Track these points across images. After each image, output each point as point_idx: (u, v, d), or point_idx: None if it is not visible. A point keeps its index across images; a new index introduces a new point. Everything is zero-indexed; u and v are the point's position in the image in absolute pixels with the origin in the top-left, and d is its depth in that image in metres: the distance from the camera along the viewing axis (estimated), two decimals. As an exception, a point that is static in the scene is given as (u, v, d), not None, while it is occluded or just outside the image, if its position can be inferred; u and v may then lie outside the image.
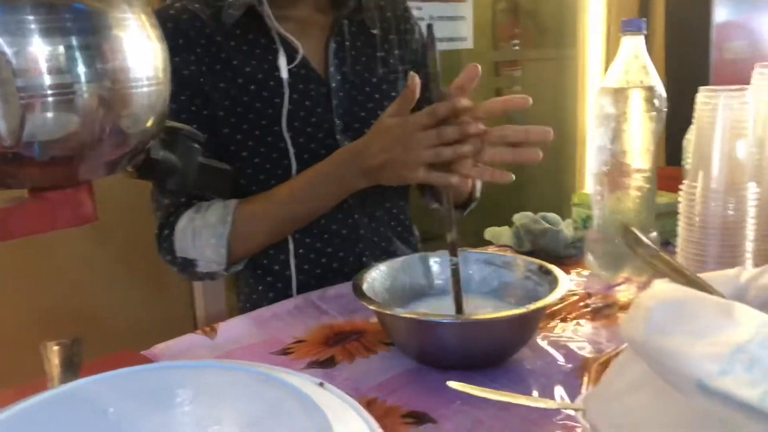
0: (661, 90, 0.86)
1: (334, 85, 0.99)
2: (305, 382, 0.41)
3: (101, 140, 0.54)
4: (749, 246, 0.75)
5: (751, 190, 0.74)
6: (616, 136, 0.87)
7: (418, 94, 0.79)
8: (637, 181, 0.88)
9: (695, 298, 0.29)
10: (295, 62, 0.96)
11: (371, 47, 1.05)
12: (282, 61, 0.95)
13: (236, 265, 0.98)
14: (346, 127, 1.01)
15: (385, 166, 0.84)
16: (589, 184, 0.93)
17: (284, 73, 0.95)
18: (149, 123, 0.58)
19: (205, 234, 0.92)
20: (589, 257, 0.95)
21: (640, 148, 0.87)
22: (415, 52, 1.12)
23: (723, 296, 0.38)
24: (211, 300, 1.32)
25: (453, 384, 0.52)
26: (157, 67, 0.56)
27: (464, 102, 0.78)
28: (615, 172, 0.88)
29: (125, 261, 1.45)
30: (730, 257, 0.75)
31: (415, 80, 0.79)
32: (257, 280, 1.04)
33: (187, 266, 0.95)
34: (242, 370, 0.41)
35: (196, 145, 0.67)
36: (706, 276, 0.41)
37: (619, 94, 0.86)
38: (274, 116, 0.96)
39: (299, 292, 0.99)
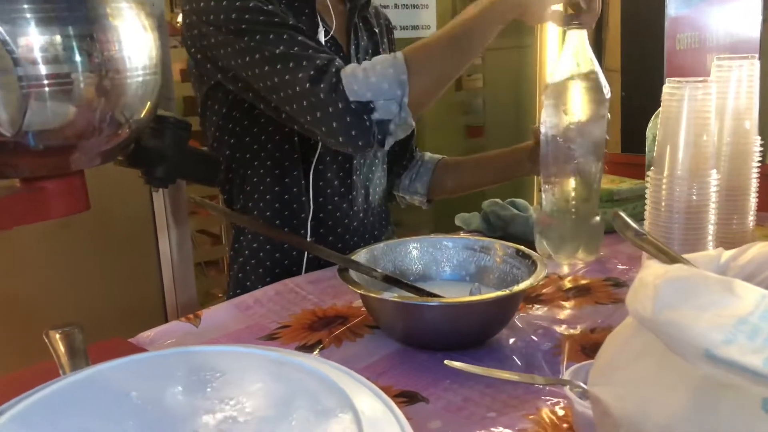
0: (603, 79, 0.89)
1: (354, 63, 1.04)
2: (317, 362, 0.43)
3: (97, 129, 0.54)
4: (711, 229, 0.80)
5: (713, 177, 0.79)
6: (564, 124, 0.90)
7: None
8: (585, 167, 0.91)
9: (698, 276, 0.32)
10: (329, 35, 1.02)
11: (374, 42, 1.12)
12: (321, 35, 0.99)
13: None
14: None
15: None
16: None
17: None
18: (143, 112, 0.58)
19: (378, 69, 0.86)
20: (542, 241, 0.98)
21: (587, 136, 0.90)
22: None
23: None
24: (182, 289, 1.31)
25: (451, 363, 0.55)
26: (152, 56, 0.56)
27: None
28: (563, 159, 0.91)
29: (91, 250, 1.43)
30: (694, 239, 0.79)
31: None
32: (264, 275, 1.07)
33: (361, 113, 0.86)
34: (258, 353, 0.42)
35: (185, 133, 0.68)
36: (689, 257, 0.45)
37: (564, 85, 0.89)
38: None
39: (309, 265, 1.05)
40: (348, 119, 0.85)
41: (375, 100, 0.85)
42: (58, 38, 0.50)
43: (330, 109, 0.85)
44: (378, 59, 0.89)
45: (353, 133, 0.86)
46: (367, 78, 0.85)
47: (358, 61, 1.03)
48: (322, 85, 0.85)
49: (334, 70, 0.86)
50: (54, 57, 0.50)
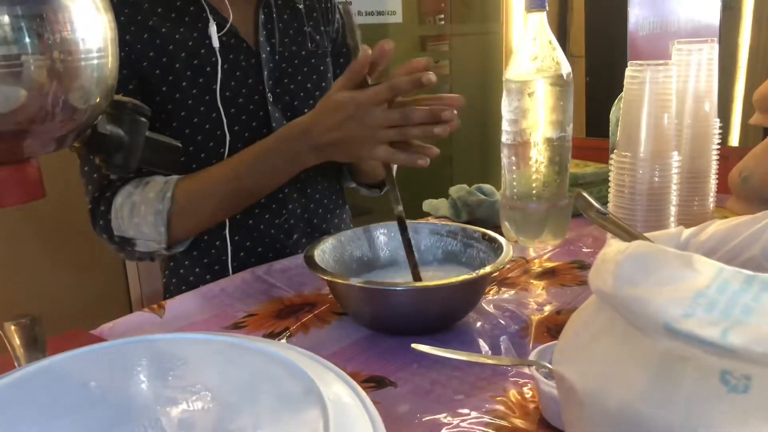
0: (565, 63, 0.90)
1: (264, 56, 0.99)
2: (283, 348, 0.42)
3: (50, 114, 0.52)
4: (673, 211, 0.81)
5: (675, 159, 0.80)
6: (525, 108, 0.90)
7: (366, 69, 0.78)
8: (547, 152, 0.92)
9: (658, 251, 0.32)
10: (224, 30, 0.95)
11: (298, 21, 1.05)
12: (213, 29, 0.94)
13: (178, 245, 0.96)
14: (277, 99, 1.01)
15: (338, 144, 0.82)
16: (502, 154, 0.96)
17: (215, 42, 0.94)
18: (99, 96, 0.56)
19: (143, 210, 0.90)
20: (506, 224, 0.98)
21: (548, 120, 0.91)
22: (336, 31, 1.14)
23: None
24: (146, 279, 1.29)
25: (418, 346, 0.55)
26: (106, 38, 0.55)
27: (430, 77, 0.76)
28: (525, 143, 0.92)
29: (53, 240, 1.39)
30: (656, 221, 0.80)
31: (367, 53, 0.77)
32: (193, 262, 1.03)
33: (125, 246, 0.93)
34: (221, 340, 0.41)
35: (143, 119, 0.66)
36: (650, 235, 0.45)
37: (526, 69, 0.89)
38: (206, 85, 0.95)
39: (235, 271, 0.98)
40: (113, 247, 0.96)
41: (136, 238, 0.92)
42: (6, 18, 0.48)
43: (104, 236, 0.95)
44: (149, 192, 0.91)
45: (119, 255, 0.99)
46: (131, 217, 0.91)
47: (272, 51, 1.00)
48: (93, 220, 0.95)
49: (103, 208, 0.93)
50: (2, 38, 0.48)
